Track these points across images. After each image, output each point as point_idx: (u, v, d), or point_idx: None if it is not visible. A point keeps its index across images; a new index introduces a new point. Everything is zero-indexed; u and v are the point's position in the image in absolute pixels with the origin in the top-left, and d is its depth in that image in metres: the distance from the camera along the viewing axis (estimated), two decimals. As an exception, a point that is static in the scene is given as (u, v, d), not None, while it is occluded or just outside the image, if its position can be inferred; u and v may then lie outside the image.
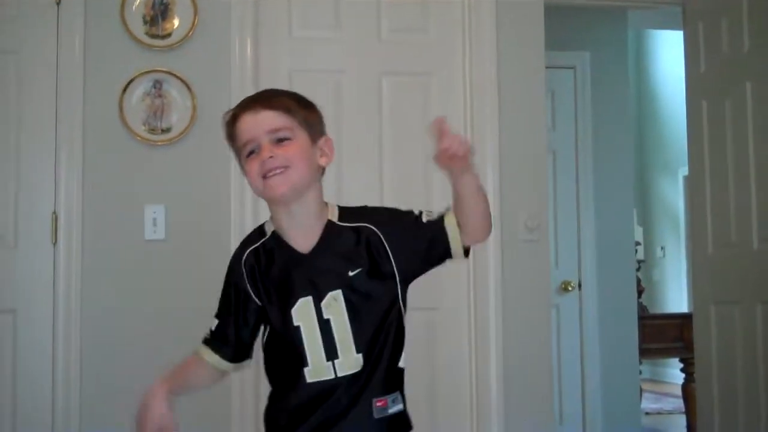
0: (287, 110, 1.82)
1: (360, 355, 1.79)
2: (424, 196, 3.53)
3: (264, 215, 3.22)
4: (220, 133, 3.38)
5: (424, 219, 1.85)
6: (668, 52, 9.05)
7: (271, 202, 1.84)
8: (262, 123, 1.80)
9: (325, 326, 1.80)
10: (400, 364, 1.85)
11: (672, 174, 9.43)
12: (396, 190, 3.45)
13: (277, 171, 1.78)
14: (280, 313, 1.83)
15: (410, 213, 1.88)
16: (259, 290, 1.85)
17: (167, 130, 3.39)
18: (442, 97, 3.60)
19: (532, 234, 3.58)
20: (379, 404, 1.80)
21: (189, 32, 3.40)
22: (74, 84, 3.34)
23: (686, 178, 8.08)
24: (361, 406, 1.79)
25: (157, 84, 3.38)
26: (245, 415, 3.29)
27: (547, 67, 3.71)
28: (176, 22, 3.40)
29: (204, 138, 3.40)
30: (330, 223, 1.86)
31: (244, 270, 1.86)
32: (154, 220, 3.35)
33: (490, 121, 3.56)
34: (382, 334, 1.82)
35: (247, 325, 1.88)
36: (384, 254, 1.83)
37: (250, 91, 3.37)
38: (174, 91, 3.39)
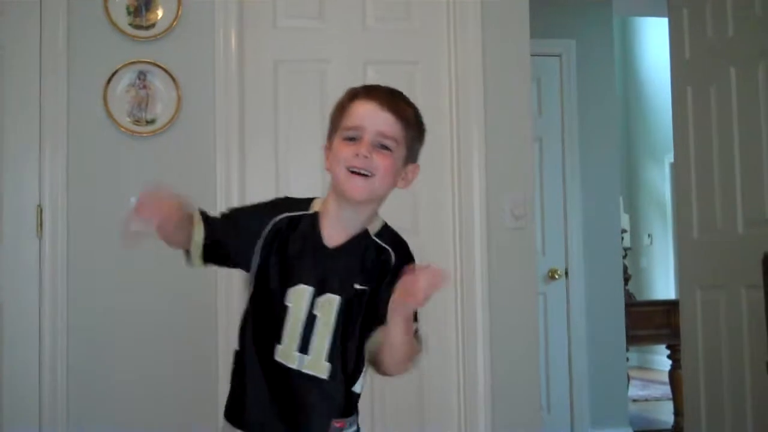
0: (406, 123, 1.81)
1: (328, 365, 1.78)
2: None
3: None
4: (206, 123, 3.42)
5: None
6: (654, 39, 9.07)
7: (338, 193, 1.82)
8: (378, 120, 1.78)
9: (310, 320, 1.79)
10: (357, 389, 1.85)
11: (659, 161, 9.46)
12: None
13: (363, 172, 1.77)
14: (279, 285, 1.81)
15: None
16: (268, 251, 1.82)
17: (152, 122, 3.37)
18: (428, 86, 3.60)
19: (518, 222, 3.59)
20: (336, 425, 1.79)
21: (173, 23, 3.39)
22: (58, 76, 3.32)
23: (672, 165, 8.12)
24: (320, 421, 1.79)
25: (142, 75, 3.37)
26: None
27: (532, 55, 3.71)
28: (160, 13, 3.39)
29: (189, 129, 3.40)
30: (366, 233, 1.85)
31: (270, 226, 1.83)
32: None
33: (476, 109, 3.55)
34: (354, 354, 1.81)
35: (229, 246, 1.84)
36: (390, 283, 1.77)
37: (235, 82, 3.42)
38: (158, 82, 3.37)
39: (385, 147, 1.78)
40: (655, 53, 9.11)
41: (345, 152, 1.78)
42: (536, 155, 4.95)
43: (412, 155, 1.86)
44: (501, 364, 3.52)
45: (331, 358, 1.79)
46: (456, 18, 3.59)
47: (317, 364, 1.78)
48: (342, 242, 1.82)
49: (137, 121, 3.36)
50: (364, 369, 1.85)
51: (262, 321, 1.83)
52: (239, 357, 1.87)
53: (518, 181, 3.62)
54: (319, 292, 1.79)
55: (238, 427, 1.83)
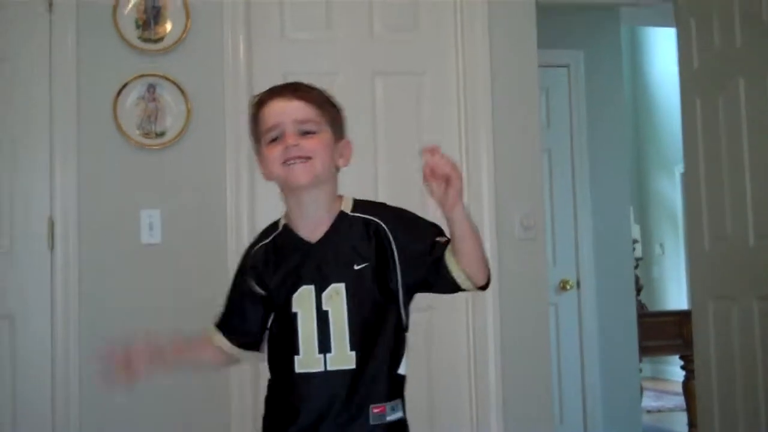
0: (318, 105, 1.84)
1: (353, 353, 1.78)
2: (419, 196, 3.52)
3: (259, 218, 3.24)
4: (215, 136, 3.43)
5: (436, 239, 1.82)
6: (663, 49, 9.05)
7: (287, 190, 1.85)
8: (291, 111, 1.81)
9: (323, 317, 1.79)
10: (401, 370, 1.83)
11: (669, 171, 9.43)
12: (390, 190, 3.44)
13: (299, 160, 1.79)
14: (282, 299, 1.83)
15: (424, 224, 1.86)
16: (265, 283, 1.86)
17: (162, 134, 3.39)
18: (436, 96, 3.61)
19: (528, 232, 3.58)
20: (376, 411, 1.78)
21: (182, 36, 3.40)
22: (68, 89, 3.34)
23: (683, 175, 8.09)
24: (356, 411, 1.78)
25: (151, 88, 3.38)
26: (245, 414, 3.29)
27: (540, 66, 3.72)
28: (169, 26, 3.41)
29: (199, 141, 3.41)
30: (342, 213, 1.86)
31: (249, 266, 1.89)
32: (150, 224, 3.35)
33: (484, 120, 3.56)
34: (379, 335, 1.81)
35: (248, 318, 1.90)
36: (391, 251, 1.82)
37: (244, 95, 3.42)
38: (167, 95, 3.39)
39: (308, 132, 1.81)
40: (663, 63, 9.08)
41: (274, 152, 1.81)
42: (545, 166, 4.94)
43: (338, 132, 1.88)
44: (513, 376, 3.51)
45: (354, 345, 1.78)
46: (464, 28, 3.60)
47: (343, 357, 1.78)
48: (323, 233, 1.84)
49: (147, 134, 3.38)
50: (404, 348, 1.85)
51: (278, 340, 1.85)
52: (270, 384, 1.89)
53: (528, 192, 3.62)
54: (322, 287, 1.80)
55: None
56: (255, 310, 1.89)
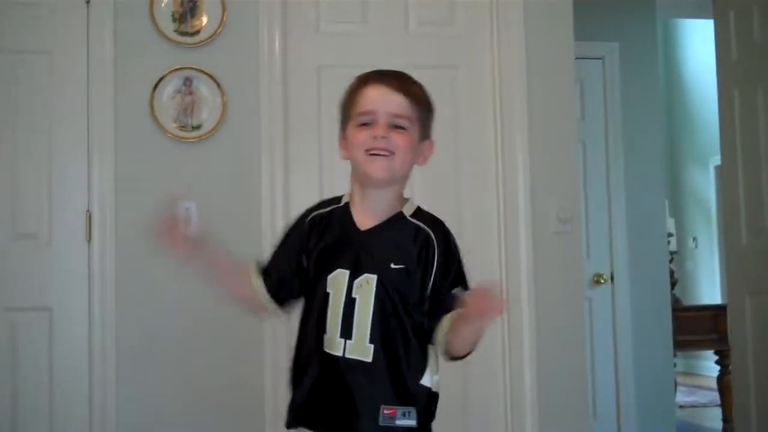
0: (416, 102, 1.86)
1: (371, 347, 1.80)
2: (454, 188, 3.53)
3: (294, 210, 3.24)
4: (250, 129, 3.44)
5: (455, 289, 1.84)
6: (697, 41, 8.97)
7: (361, 178, 1.87)
8: (390, 102, 1.83)
9: (349, 304, 1.81)
10: (425, 381, 1.84)
11: (703, 164, 9.35)
12: (424, 184, 3.44)
13: (383, 152, 1.81)
14: (319, 276, 1.85)
15: (458, 267, 1.88)
16: (311, 250, 1.88)
17: (198, 127, 3.40)
18: (471, 90, 3.59)
19: (563, 226, 3.56)
20: (386, 412, 1.79)
21: (218, 29, 3.42)
22: (105, 82, 3.36)
23: (718, 168, 8.02)
24: (369, 407, 1.79)
25: (187, 81, 3.40)
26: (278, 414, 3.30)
27: (575, 58, 3.69)
28: (205, 19, 3.42)
29: (234, 134, 3.42)
30: (401, 214, 1.88)
31: (306, 227, 1.91)
32: (186, 216, 3.37)
33: (519, 113, 3.54)
34: (400, 336, 1.82)
35: (288, 277, 1.91)
36: (431, 263, 1.84)
37: (279, 88, 3.43)
38: (204, 88, 3.40)
39: (399, 127, 1.83)
40: (698, 55, 9.00)
41: (362, 137, 1.83)
42: (580, 159, 4.90)
43: (425, 132, 1.90)
44: (548, 370, 3.49)
45: (373, 339, 1.80)
46: (499, 21, 3.58)
47: (361, 347, 1.80)
48: (375, 224, 1.86)
49: (183, 127, 3.39)
50: (430, 357, 1.86)
51: (310, 315, 1.87)
52: (294, 360, 1.90)
53: (563, 185, 3.59)
54: (356, 274, 1.82)
55: (300, 426, 1.84)
56: (298, 276, 1.91)
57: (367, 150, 1.82)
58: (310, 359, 1.84)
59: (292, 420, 1.86)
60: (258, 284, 1.91)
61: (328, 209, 1.93)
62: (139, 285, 3.33)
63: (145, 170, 3.40)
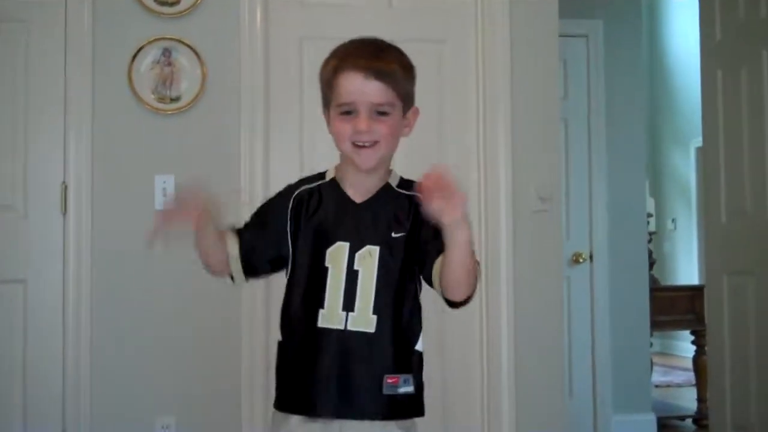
0: (394, 82, 1.80)
1: (374, 317, 1.79)
2: (435, 162, 3.50)
3: (274, 184, 3.22)
4: (230, 100, 3.40)
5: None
6: (682, 22, 8.96)
7: (351, 165, 1.84)
8: (368, 93, 1.78)
9: (352, 276, 1.80)
10: (418, 346, 1.85)
11: (684, 146, 9.38)
12: (407, 157, 3.41)
13: (367, 143, 1.79)
14: (314, 251, 1.83)
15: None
16: (298, 228, 1.85)
17: (177, 99, 3.36)
18: (454, 65, 3.57)
19: (543, 204, 3.55)
20: (390, 381, 1.79)
21: (198, -1, 3.37)
22: (83, 52, 3.31)
23: (698, 150, 8.04)
24: (371, 378, 1.78)
25: (166, 52, 3.35)
26: (255, 379, 3.29)
27: (559, 36, 3.67)
28: (185, -11, 3.37)
29: (214, 106, 3.38)
30: (388, 185, 1.88)
31: (291, 204, 1.87)
32: (164, 189, 3.33)
33: (502, 89, 3.52)
34: (401, 305, 1.82)
35: (264, 249, 1.87)
36: (420, 228, 1.82)
37: (260, 59, 3.39)
38: (183, 59, 3.36)
39: (382, 113, 1.80)
40: (682, 36, 9.00)
41: (345, 129, 1.80)
42: (561, 138, 4.88)
43: (409, 103, 1.87)
44: (525, 348, 3.50)
45: (377, 310, 1.79)
46: (484, -4, 3.55)
47: (364, 319, 1.79)
48: (369, 196, 1.86)
49: (162, 99, 3.35)
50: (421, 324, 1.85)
51: (303, 292, 1.84)
52: (282, 345, 1.87)
53: (544, 163, 3.58)
54: (357, 246, 1.81)
55: (294, 413, 1.82)
56: (272, 249, 1.87)
57: (353, 141, 1.80)
58: (303, 339, 1.81)
59: (287, 407, 1.83)
60: (233, 247, 1.86)
61: (314, 185, 1.90)
62: (115, 258, 3.30)
63: (122, 142, 3.35)
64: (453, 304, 1.81)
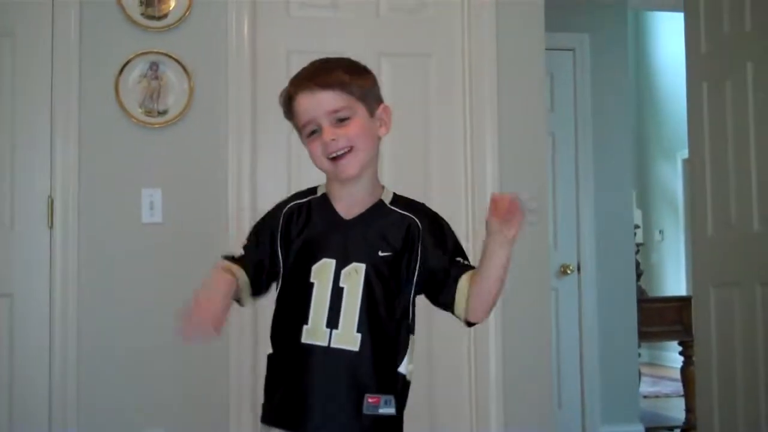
0: (344, 87, 1.81)
1: (359, 336, 1.78)
2: (422, 177, 3.51)
3: (262, 197, 3.22)
4: (218, 114, 3.41)
5: (458, 258, 1.84)
6: (668, 34, 9.01)
7: (336, 180, 1.85)
8: (320, 104, 1.79)
9: (337, 293, 1.80)
10: (402, 369, 1.84)
11: (671, 157, 9.42)
12: (395, 170, 3.42)
13: (341, 151, 1.79)
14: (301, 266, 1.83)
15: (454, 241, 1.87)
16: (288, 243, 1.85)
17: (164, 113, 3.36)
18: (441, 78, 3.58)
19: (531, 216, 3.56)
20: (370, 401, 1.78)
21: (185, 13, 3.37)
22: (70, 66, 3.31)
23: (685, 162, 8.08)
24: (352, 397, 1.77)
25: (154, 66, 3.35)
26: (242, 390, 3.28)
27: (546, 49, 3.68)
28: (172, 3, 3.37)
29: (201, 120, 3.38)
30: (381, 202, 1.87)
31: (282, 220, 1.87)
32: (151, 203, 3.33)
33: (489, 103, 3.53)
34: (386, 325, 1.81)
35: (263, 268, 1.87)
36: (415, 250, 1.83)
37: (248, 73, 3.40)
38: (170, 73, 3.36)
39: (343, 119, 1.80)
40: (667, 48, 9.05)
41: (316, 148, 1.81)
42: (549, 150, 4.91)
43: (372, 102, 1.86)
44: (513, 360, 3.50)
45: (361, 328, 1.78)
46: (470, 10, 3.57)
47: (348, 337, 1.78)
48: (359, 213, 1.85)
49: (149, 112, 3.35)
50: (409, 347, 1.85)
51: (289, 307, 1.84)
52: (270, 358, 1.88)
53: (531, 176, 3.60)
54: (343, 264, 1.81)
55: (275, 426, 1.82)
56: (268, 266, 1.87)
57: (327, 156, 1.80)
58: (288, 354, 1.82)
59: (270, 419, 1.84)
60: (243, 276, 1.85)
61: (305, 200, 1.90)
62: (101, 272, 3.29)
63: (109, 156, 3.35)
64: (469, 324, 1.84)
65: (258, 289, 1.89)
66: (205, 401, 3.31)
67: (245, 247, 1.91)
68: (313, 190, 1.92)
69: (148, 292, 3.30)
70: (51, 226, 3.28)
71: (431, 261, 1.83)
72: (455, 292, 1.80)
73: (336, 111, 1.79)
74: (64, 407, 3.23)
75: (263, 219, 1.94)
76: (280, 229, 1.87)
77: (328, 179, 1.89)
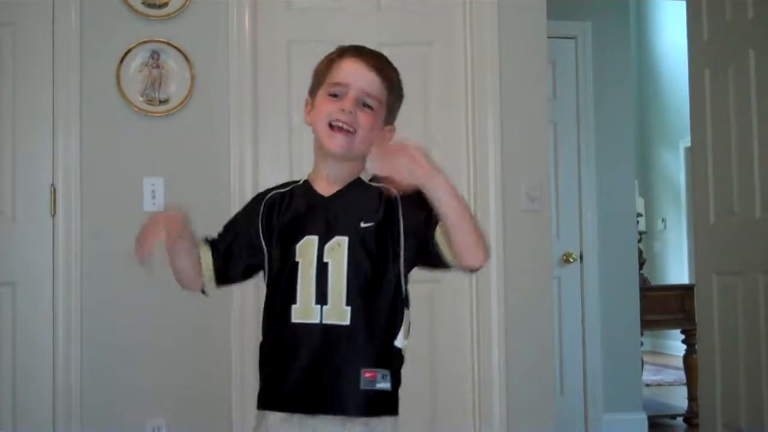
0: (389, 85, 1.86)
1: (348, 309, 1.78)
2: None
3: (263, 185, 3.20)
4: (219, 103, 3.40)
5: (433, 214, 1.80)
6: (670, 22, 8.99)
7: (321, 149, 1.87)
8: (363, 79, 1.83)
9: (322, 269, 1.80)
10: (398, 343, 1.83)
11: (673, 145, 9.40)
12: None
13: (345, 126, 1.80)
14: (285, 248, 1.84)
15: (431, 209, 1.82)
16: (271, 231, 1.87)
17: (165, 101, 3.35)
18: (443, 67, 3.57)
19: (533, 204, 3.56)
20: (367, 375, 1.77)
21: (186, 2, 3.36)
22: (71, 55, 3.30)
23: (687, 149, 8.06)
24: (348, 372, 1.77)
25: (155, 54, 3.35)
26: (246, 369, 3.29)
27: (548, 37, 3.67)
28: (173, -8, 3.36)
29: (203, 109, 3.38)
30: (359, 179, 1.89)
31: (262, 209, 1.89)
32: (153, 192, 3.33)
33: (491, 91, 3.52)
34: (376, 297, 1.80)
35: (236, 259, 1.89)
36: (396, 220, 1.82)
37: (249, 62, 3.39)
38: (172, 62, 3.35)
39: (367, 105, 1.83)
40: (669, 36, 9.03)
41: (329, 108, 1.83)
42: (551, 138, 4.90)
43: (390, 117, 1.90)
44: (516, 347, 3.50)
45: (350, 301, 1.78)
46: (472, -2, 3.55)
47: (338, 311, 1.78)
48: (338, 189, 1.87)
49: (150, 101, 3.35)
50: (404, 320, 1.84)
51: (277, 290, 1.84)
52: (261, 345, 1.89)
53: (534, 164, 3.59)
54: (326, 239, 1.81)
55: (272, 410, 1.82)
56: (245, 256, 1.89)
57: (331, 121, 1.81)
58: (280, 336, 1.82)
59: (266, 404, 1.84)
60: (206, 256, 1.89)
61: (287, 189, 1.93)
62: (104, 260, 3.29)
63: (110, 144, 3.35)
64: (473, 270, 1.79)
65: (223, 278, 1.90)
66: (208, 390, 3.31)
67: (220, 235, 1.93)
68: (295, 181, 1.95)
69: (152, 280, 3.28)
70: (53, 215, 3.29)
71: (413, 226, 1.80)
72: (436, 245, 1.76)
73: (369, 94, 1.82)
74: (67, 396, 3.23)
75: (242, 211, 1.96)
76: (260, 218, 1.88)
77: (316, 151, 1.90)
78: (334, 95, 1.83)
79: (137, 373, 3.30)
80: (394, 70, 1.90)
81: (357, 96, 1.82)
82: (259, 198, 1.94)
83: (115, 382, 3.28)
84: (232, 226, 1.94)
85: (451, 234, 1.72)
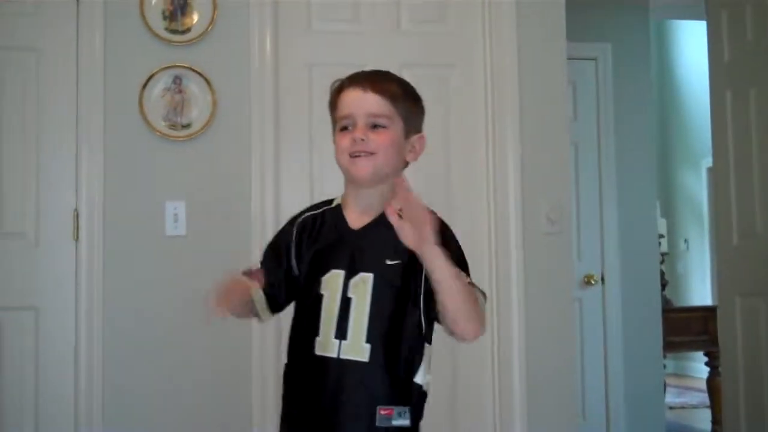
0: (393, 98, 1.86)
1: (368, 346, 1.78)
2: (444, 187, 3.51)
3: (284, 210, 3.23)
4: (241, 127, 3.43)
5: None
6: (691, 43, 8.97)
7: (349, 180, 1.89)
8: (364, 104, 1.84)
9: (345, 304, 1.80)
10: (417, 379, 1.82)
11: (695, 166, 9.36)
12: (415, 182, 3.42)
13: (364, 153, 1.82)
14: (311, 279, 1.85)
15: (455, 252, 1.81)
16: (301, 254, 1.88)
17: (187, 126, 3.38)
18: (463, 89, 3.58)
19: (554, 226, 3.55)
20: (383, 412, 1.77)
21: (208, 27, 3.39)
22: (94, 80, 3.33)
23: (709, 170, 8.02)
24: (364, 408, 1.77)
25: (177, 79, 3.37)
26: (266, 399, 3.29)
27: (568, 58, 3.68)
28: (195, 17, 3.39)
29: (224, 133, 3.40)
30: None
31: (294, 231, 1.91)
32: (175, 215, 3.35)
33: (512, 113, 3.53)
34: (397, 335, 1.80)
35: (279, 287, 1.90)
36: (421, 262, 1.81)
37: (270, 86, 3.42)
38: (194, 87, 3.38)
39: (378, 126, 1.84)
40: (690, 57, 9.01)
41: (343, 142, 1.85)
42: (572, 160, 4.89)
43: (412, 126, 1.90)
44: (537, 371, 3.48)
45: (370, 338, 1.78)
46: (491, 20, 3.57)
47: (357, 347, 1.78)
48: (367, 222, 1.86)
49: (173, 126, 3.37)
50: (425, 356, 1.83)
51: (303, 319, 1.85)
52: (285, 370, 1.89)
53: (554, 185, 3.58)
54: (351, 274, 1.82)
55: None
56: (285, 287, 1.90)
57: (349, 153, 1.84)
58: (302, 366, 1.83)
59: (288, 430, 1.85)
60: (258, 295, 1.88)
61: (319, 211, 1.93)
62: (127, 285, 3.31)
63: (133, 169, 3.37)
64: (464, 340, 1.80)
65: (276, 305, 1.92)
66: (229, 412, 3.31)
67: (262, 263, 1.94)
68: (329, 202, 1.95)
69: (172, 304, 3.32)
70: (76, 239, 3.31)
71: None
72: (438, 303, 1.77)
73: (376, 116, 1.84)
74: (89, 420, 3.24)
75: (279, 234, 1.97)
76: (294, 241, 1.90)
77: (346, 183, 1.91)
78: (345, 128, 1.86)
79: (159, 398, 3.30)
80: (397, 82, 1.91)
81: (365, 121, 1.84)
82: (293, 220, 1.95)
83: (138, 407, 3.28)
84: (273, 251, 1.94)
85: (439, 301, 1.74)
